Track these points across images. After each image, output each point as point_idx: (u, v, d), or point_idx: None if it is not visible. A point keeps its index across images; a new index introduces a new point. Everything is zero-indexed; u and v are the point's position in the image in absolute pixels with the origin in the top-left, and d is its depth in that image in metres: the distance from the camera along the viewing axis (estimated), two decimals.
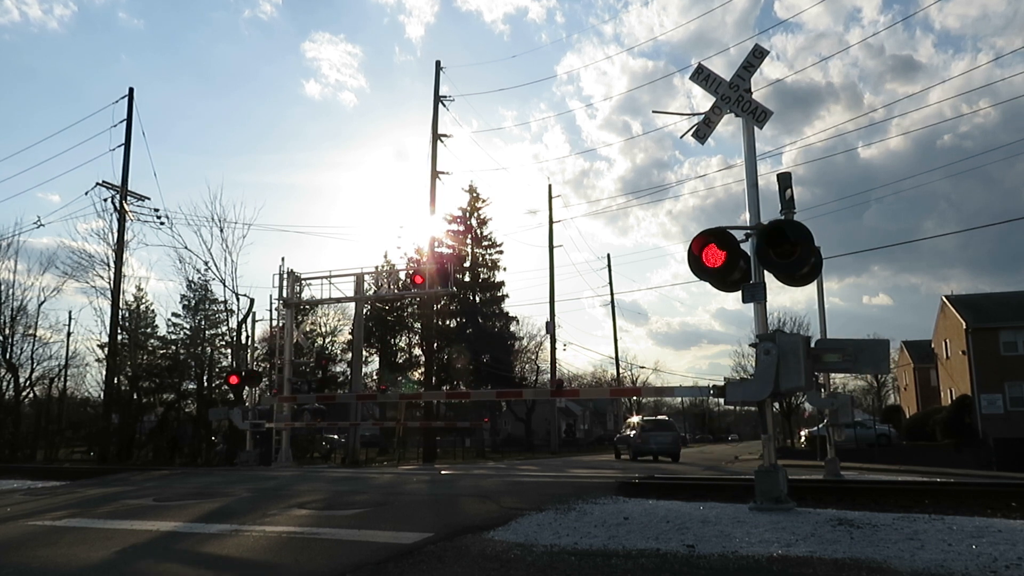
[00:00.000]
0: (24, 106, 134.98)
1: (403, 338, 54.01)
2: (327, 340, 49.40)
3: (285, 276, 20.65)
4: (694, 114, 8.07)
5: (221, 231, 29.96)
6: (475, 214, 55.58)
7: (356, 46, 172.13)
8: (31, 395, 36.57)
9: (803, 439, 44.40)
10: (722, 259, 6.95)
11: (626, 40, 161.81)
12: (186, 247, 35.73)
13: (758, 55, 7.67)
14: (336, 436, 32.89)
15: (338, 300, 25.21)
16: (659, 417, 37.26)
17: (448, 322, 52.28)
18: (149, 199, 33.77)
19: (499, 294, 55.40)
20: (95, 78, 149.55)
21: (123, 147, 32.53)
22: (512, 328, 56.67)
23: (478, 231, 55.52)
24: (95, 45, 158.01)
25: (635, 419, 35.59)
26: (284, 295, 20.68)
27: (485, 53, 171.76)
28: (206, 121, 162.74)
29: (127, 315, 35.53)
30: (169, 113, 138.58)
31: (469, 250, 54.71)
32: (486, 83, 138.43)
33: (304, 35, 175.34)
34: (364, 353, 40.49)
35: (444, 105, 34.82)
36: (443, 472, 13.63)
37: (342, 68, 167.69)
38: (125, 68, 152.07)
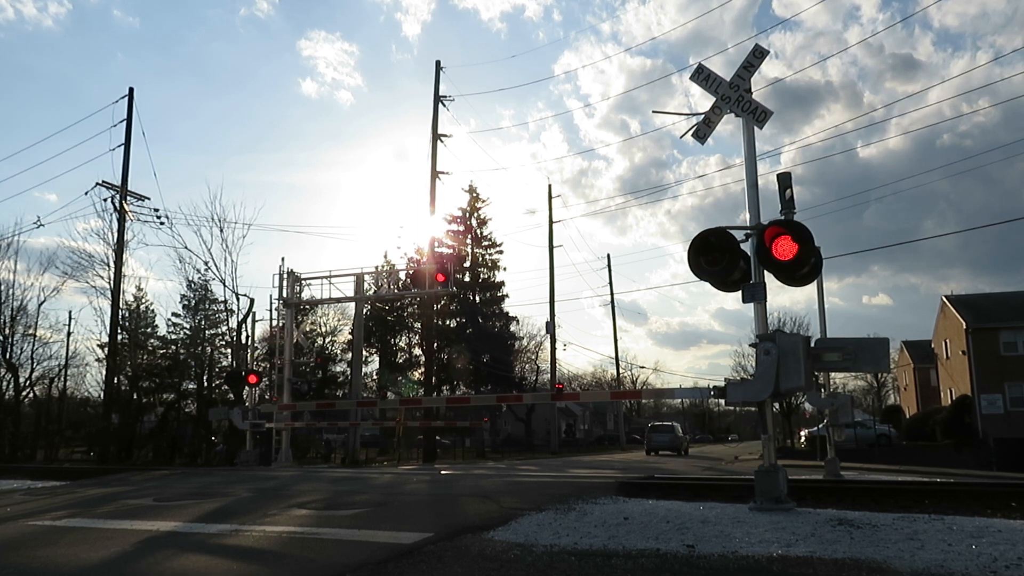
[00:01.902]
0: (22, 106, 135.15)
1: (403, 338, 54.02)
2: (327, 340, 49.40)
3: (285, 276, 20.64)
4: (694, 114, 8.07)
5: (221, 231, 30.01)
6: (475, 214, 55.57)
7: (352, 44, 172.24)
8: (31, 395, 36.61)
9: (803, 439, 44.40)
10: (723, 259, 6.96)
11: (624, 38, 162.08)
12: (186, 247, 35.84)
13: (758, 55, 7.67)
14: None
15: (338, 300, 25.22)
16: (662, 423, 49.00)
17: (448, 322, 52.24)
18: (149, 199, 33.82)
19: (499, 294, 55.38)
20: (92, 77, 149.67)
21: (123, 147, 32.56)
22: (512, 328, 56.68)
23: (478, 231, 55.52)
24: (91, 43, 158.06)
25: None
26: (284, 295, 20.67)
27: (482, 51, 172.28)
28: (204, 120, 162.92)
29: (127, 315, 35.55)
30: (168, 112, 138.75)
31: (469, 250, 54.70)
32: (484, 82, 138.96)
33: (300, 33, 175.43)
34: (364, 353, 40.50)
35: (444, 105, 34.85)
36: (443, 472, 13.62)
37: (339, 67, 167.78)
38: (121, 67, 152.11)
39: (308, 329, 45.76)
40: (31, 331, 35.12)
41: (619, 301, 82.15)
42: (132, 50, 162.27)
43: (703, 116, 7.83)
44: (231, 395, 26.78)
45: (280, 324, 21.60)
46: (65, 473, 15.87)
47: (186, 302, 37.57)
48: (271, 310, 23.00)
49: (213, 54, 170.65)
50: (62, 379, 38.46)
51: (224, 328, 34.83)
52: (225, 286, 29.69)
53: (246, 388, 20.34)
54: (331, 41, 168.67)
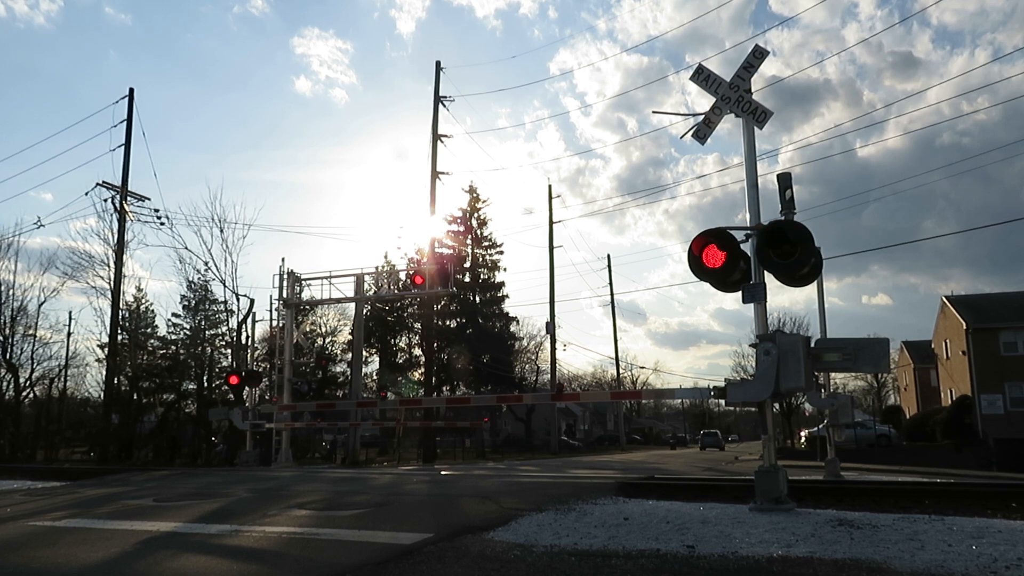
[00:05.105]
0: (18, 105, 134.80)
1: (403, 338, 54.00)
2: (327, 340, 49.39)
3: (285, 276, 20.65)
4: (694, 115, 8.07)
5: (221, 231, 30.08)
6: (475, 214, 55.55)
7: (346, 42, 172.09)
8: (31, 395, 36.60)
9: (803, 439, 44.38)
10: (722, 260, 6.97)
11: (620, 36, 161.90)
12: (186, 247, 35.94)
13: (758, 55, 7.67)
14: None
15: (338, 300, 25.21)
16: (710, 430, 69.43)
17: (448, 322, 52.23)
18: (149, 199, 33.83)
19: (499, 294, 55.37)
20: (87, 75, 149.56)
21: (123, 147, 32.55)
22: (512, 328, 56.67)
23: (478, 231, 55.49)
24: (84, 41, 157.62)
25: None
26: (284, 295, 20.68)
27: (477, 49, 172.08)
28: (202, 118, 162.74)
29: (127, 315, 35.54)
30: (165, 111, 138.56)
31: (469, 250, 54.69)
32: (480, 80, 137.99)
33: (293, 31, 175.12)
34: (364, 353, 40.49)
35: (444, 105, 34.85)
36: (443, 472, 13.62)
37: (332, 64, 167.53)
38: (115, 64, 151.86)
39: (308, 329, 45.77)
40: (31, 331, 35.16)
41: (618, 301, 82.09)
42: (125, 48, 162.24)
43: (703, 116, 7.83)
44: (231, 395, 26.79)
45: (280, 324, 21.61)
46: (65, 473, 15.87)
47: (186, 302, 37.60)
48: (271, 310, 23.09)
49: (207, 52, 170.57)
50: (62, 379, 38.48)
51: (224, 328, 34.91)
52: (225, 286, 29.76)
53: (245, 388, 20.34)
54: (325, 39, 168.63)
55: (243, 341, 28.96)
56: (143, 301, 39.77)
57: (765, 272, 7.05)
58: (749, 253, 7.13)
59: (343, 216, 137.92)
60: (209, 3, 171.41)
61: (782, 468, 6.68)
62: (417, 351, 51.28)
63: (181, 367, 33.32)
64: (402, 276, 38.36)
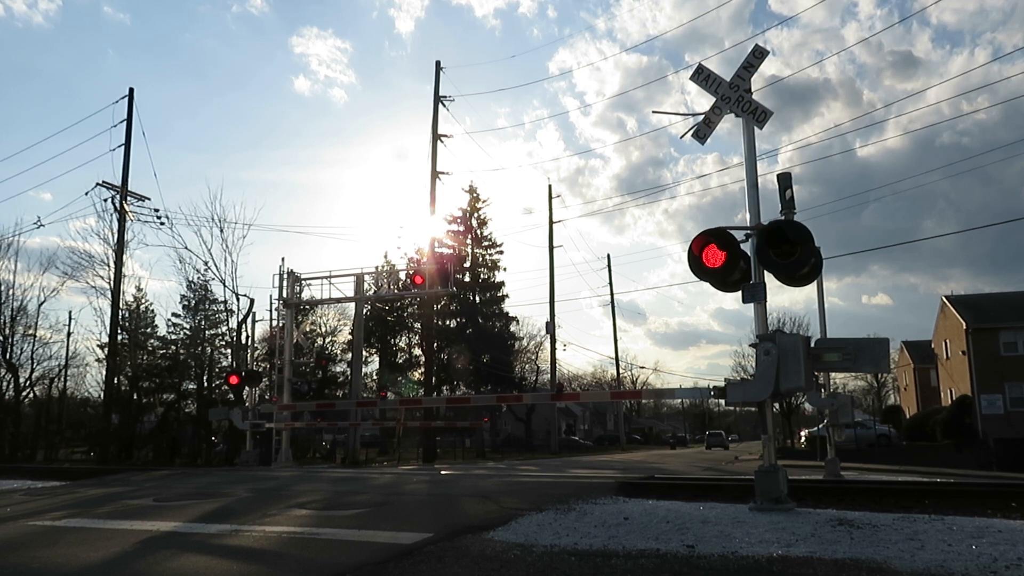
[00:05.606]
0: (17, 105, 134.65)
1: (403, 338, 54.02)
2: (327, 340, 49.39)
3: (285, 276, 20.64)
4: (694, 114, 8.07)
5: (221, 231, 30.11)
6: (475, 214, 55.55)
7: (345, 41, 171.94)
8: (31, 395, 36.59)
9: (803, 439, 44.39)
10: (722, 259, 6.97)
11: (619, 35, 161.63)
12: (186, 247, 35.93)
13: (758, 55, 7.67)
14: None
15: (338, 300, 25.20)
16: (715, 430, 71.69)
17: (448, 322, 52.24)
18: (149, 199, 33.83)
19: (499, 294, 55.38)
20: (85, 75, 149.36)
21: (123, 147, 32.55)
22: (512, 328, 56.69)
23: (478, 231, 55.51)
24: (84, 41, 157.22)
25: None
26: (284, 295, 20.67)
27: (476, 48, 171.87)
28: (201, 118, 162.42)
29: (127, 315, 35.54)
30: (164, 110, 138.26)
31: (469, 250, 54.70)
32: (479, 79, 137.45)
33: (292, 30, 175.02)
34: (364, 353, 40.49)
35: (444, 105, 34.85)
36: (443, 472, 13.63)
37: (331, 64, 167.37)
38: (114, 64, 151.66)
39: (308, 329, 45.76)
40: (31, 331, 35.14)
41: (618, 301, 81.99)
42: (124, 47, 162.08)
43: (703, 116, 7.83)
44: (231, 395, 26.79)
45: (280, 324, 21.60)
46: (65, 473, 15.87)
47: (186, 302, 37.59)
48: (271, 310, 23.00)
49: (206, 52, 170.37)
50: (62, 379, 38.47)
51: (224, 328, 34.90)
52: (225, 286, 29.77)
53: (245, 388, 20.34)
54: (324, 38, 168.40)
55: (243, 341, 28.97)
56: (143, 301, 39.81)
57: (765, 272, 7.05)
58: (749, 253, 7.13)
59: (343, 216, 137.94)
60: (208, 2, 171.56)
61: (782, 468, 6.68)
62: (417, 351, 51.31)
63: (181, 367, 33.33)
64: (402, 276, 38.40)
